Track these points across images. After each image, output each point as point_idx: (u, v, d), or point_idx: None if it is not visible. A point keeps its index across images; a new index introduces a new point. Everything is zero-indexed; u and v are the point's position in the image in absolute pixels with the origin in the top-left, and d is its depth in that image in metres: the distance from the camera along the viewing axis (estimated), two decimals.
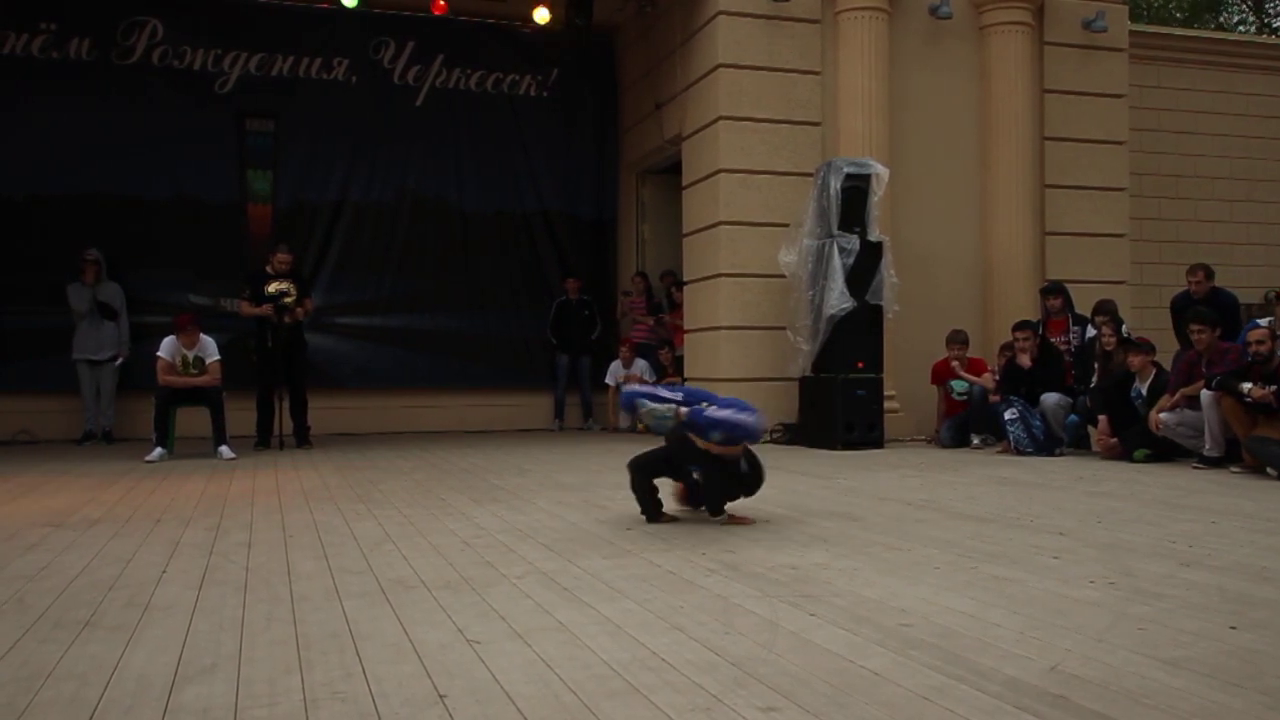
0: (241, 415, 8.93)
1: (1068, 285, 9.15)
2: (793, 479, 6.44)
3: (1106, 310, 8.36)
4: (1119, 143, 10.41)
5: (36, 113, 10.19)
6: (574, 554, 3.92)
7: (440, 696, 2.25)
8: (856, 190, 8.62)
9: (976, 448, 8.55)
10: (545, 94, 11.83)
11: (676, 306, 10.87)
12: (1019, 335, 8.32)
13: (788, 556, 3.84)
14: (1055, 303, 8.90)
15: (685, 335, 10.21)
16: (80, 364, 9.86)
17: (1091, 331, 8.46)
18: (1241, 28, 25.59)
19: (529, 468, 7.28)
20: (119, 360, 9.91)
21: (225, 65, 10.82)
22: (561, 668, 2.45)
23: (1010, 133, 9.85)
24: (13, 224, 10.13)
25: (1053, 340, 8.65)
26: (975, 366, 8.96)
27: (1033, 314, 9.18)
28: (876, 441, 8.57)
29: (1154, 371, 7.60)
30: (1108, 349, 7.97)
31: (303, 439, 9.18)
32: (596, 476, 6.62)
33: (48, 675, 2.44)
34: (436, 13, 10.66)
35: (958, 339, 8.94)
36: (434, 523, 4.70)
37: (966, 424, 8.78)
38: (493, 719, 2.11)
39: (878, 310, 8.68)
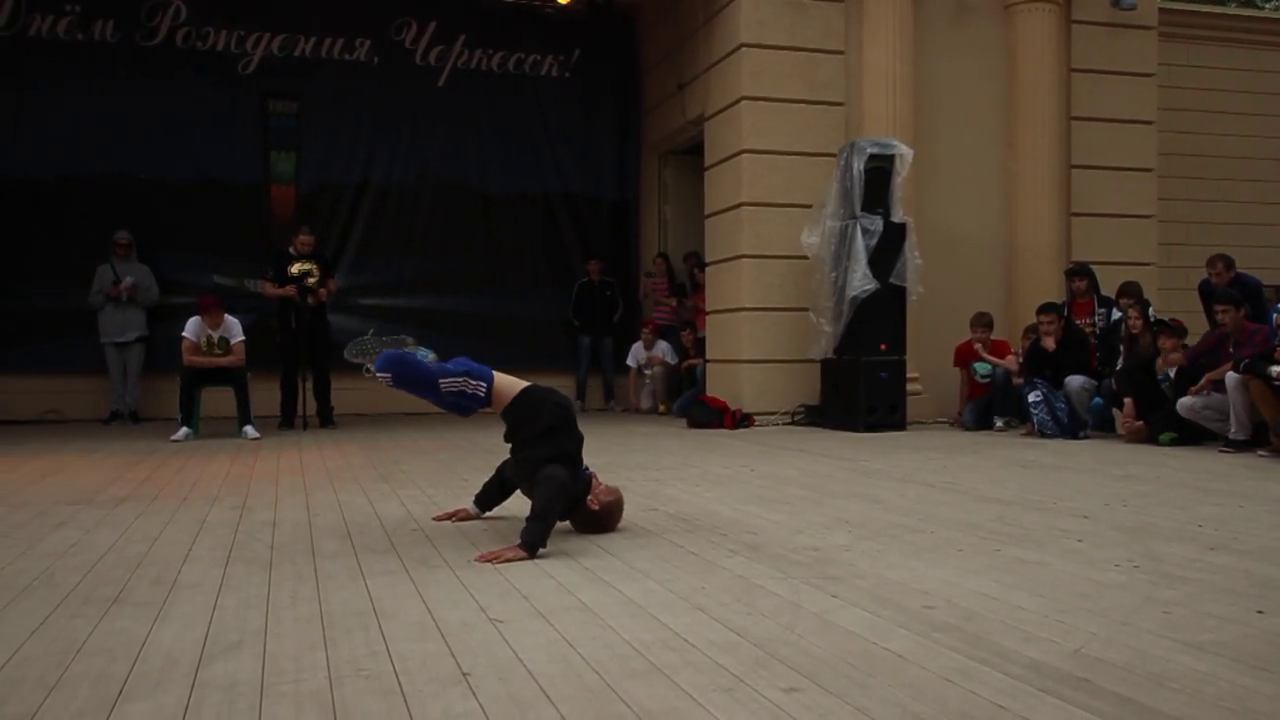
0: (265, 395, 9.00)
1: (1094, 267, 9.08)
2: (815, 461, 6.43)
3: (1131, 293, 8.29)
4: (1147, 122, 10.27)
5: (62, 95, 10.25)
6: (596, 534, 3.93)
7: (463, 674, 2.27)
8: (880, 171, 8.57)
9: (1000, 430, 8.51)
10: (567, 75, 11.80)
11: (699, 288, 10.85)
12: (1043, 318, 8.25)
13: (809, 538, 3.83)
14: (1081, 285, 8.83)
15: (707, 317, 10.18)
16: (107, 345, 9.97)
17: (1117, 314, 8.39)
18: (1271, 4, 25.15)
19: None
20: (124, 287, 9.92)
21: (248, 46, 10.85)
22: (584, 647, 2.46)
23: (1036, 113, 9.75)
24: (41, 206, 10.22)
25: (1078, 323, 8.58)
26: (998, 349, 8.90)
27: (1058, 296, 9.10)
28: (899, 424, 8.55)
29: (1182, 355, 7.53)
30: (1134, 332, 7.90)
31: (326, 419, 9.25)
32: (619, 458, 6.63)
33: (77, 650, 2.47)
34: None
35: (981, 321, 8.88)
36: (457, 502, 4.70)
37: (989, 406, 8.74)
38: (515, 697, 2.12)
39: (901, 292, 8.63)
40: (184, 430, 8.04)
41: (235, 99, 10.74)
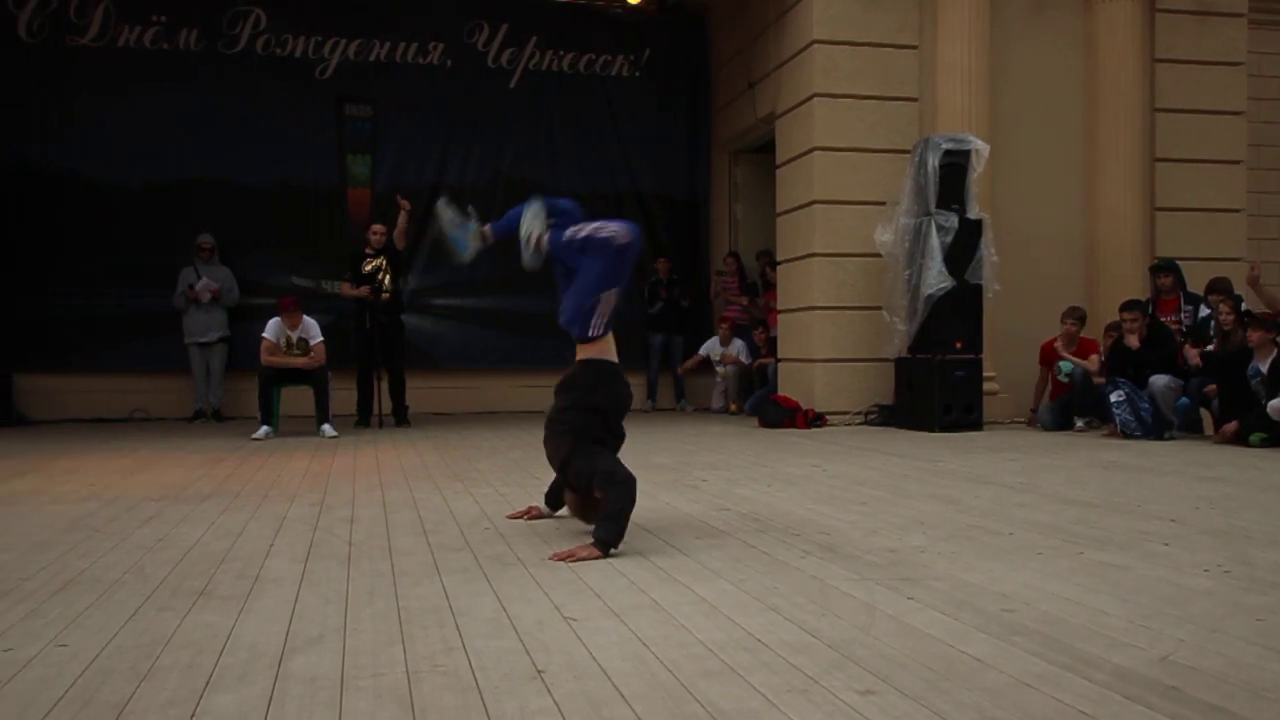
0: (342, 394, 9.18)
1: (1180, 263, 8.81)
2: (889, 461, 6.34)
3: (1222, 288, 8.03)
4: (1236, 113, 9.94)
5: (149, 103, 10.57)
6: (668, 533, 3.93)
7: (538, 672, 2.28)
8: (955, 167, 8.42)
9: (1080, 430, 8.30)
10: (638, 74, 11.83)
11: (771, 286, 10.78)
12: (1127, 315, 8.03)
13: (885, 539, 3.78)
14: (1166, 281, 8.57)
15: (779, 315, 10.12)
16: (191, 345, 10.27)
17: (1204, 311, 8.13)
18: None
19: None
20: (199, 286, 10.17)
21: (325, 52, 11.07)
22: (657, 646, 2.46)
23: (1118, 104, 9.50)
24: (128, 210, 10.55)
25: (1163, 320, 8.34)
26: (1085, 347, 8.70)
27: (1141, 293, 8.85)
28: (975, 424, 8.39)
29: (1275, 350, 7.27)
30: (1225, 328, 7.65)
31: (401, 418, 9.39)
32: (690, 456, 6.62)
33: (166, 642, 2.54)
34: None
35: (1074, 314, 8.70)
36: (529, 501, 4.75)
37: (1068, 406, 8.54)
38: (590, 695, 2.13)
39: (977, 290, 8.48)
40: (264, 429, 8.24)
41: (312, 104, 10.99)
